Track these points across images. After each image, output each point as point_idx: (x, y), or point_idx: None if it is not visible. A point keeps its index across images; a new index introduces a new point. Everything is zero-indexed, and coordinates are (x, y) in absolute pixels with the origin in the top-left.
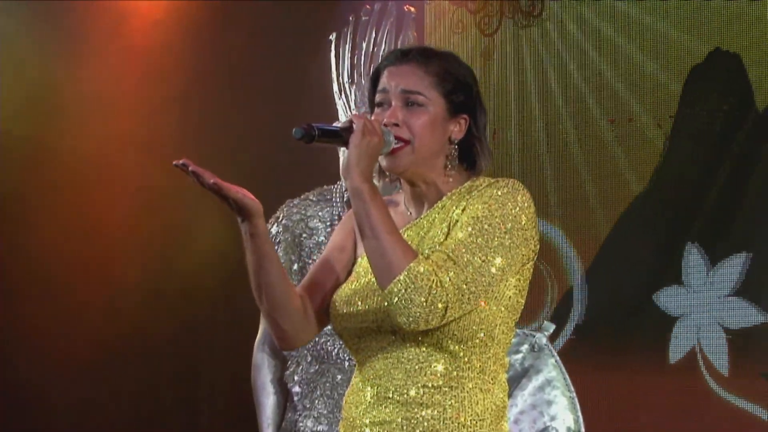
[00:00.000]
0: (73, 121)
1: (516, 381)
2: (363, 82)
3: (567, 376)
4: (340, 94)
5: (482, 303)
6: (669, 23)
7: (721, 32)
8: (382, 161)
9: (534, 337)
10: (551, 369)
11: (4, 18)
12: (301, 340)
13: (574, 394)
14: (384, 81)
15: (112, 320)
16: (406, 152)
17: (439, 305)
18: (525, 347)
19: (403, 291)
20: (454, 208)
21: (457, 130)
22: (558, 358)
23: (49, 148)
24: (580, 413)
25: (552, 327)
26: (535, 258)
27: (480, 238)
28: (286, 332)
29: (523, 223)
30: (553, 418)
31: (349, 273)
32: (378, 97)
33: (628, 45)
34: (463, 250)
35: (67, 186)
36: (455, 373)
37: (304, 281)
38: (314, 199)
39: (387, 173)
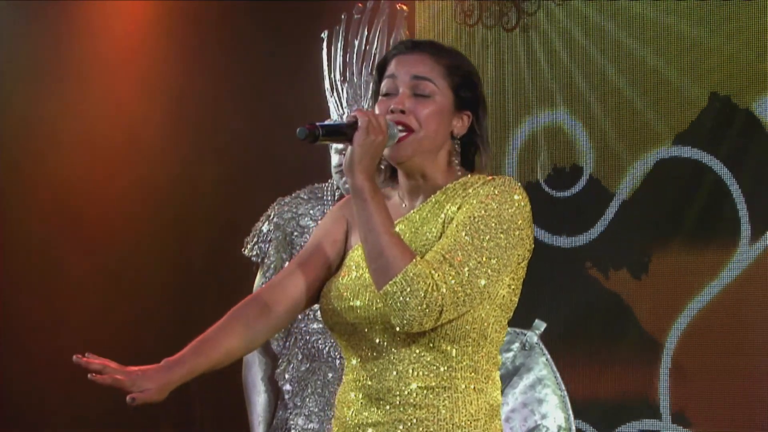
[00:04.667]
0: (66, 112)
1: (507, 379)
2: (355, 79)
3: (558, 375)
4: (332, 92)
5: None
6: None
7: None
8: (386, 151)
9: (525, 335)
10: (542, 367)
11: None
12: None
13: (565, 393)
14: (392, 68)
15: (104, 317)
16: (410, 141)
17: (435, 308)
18: (516, 346)
19: (399, 293)
20: (449, 204)
21: (460, 125)
22: (549, 356)
23: (37, 144)
24: (570, 411)
25: (543, 325)
26: (530, 257)
27: (476, 239)
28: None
29: (519, 223)
30: (543, 417)
31: (338, 264)
32: (385, 85)
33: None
34: (459, 252)
35: (57, 180)
36: (448, 373)
37: (290, 266)
38: (305, 197)
39: (385, 170)
